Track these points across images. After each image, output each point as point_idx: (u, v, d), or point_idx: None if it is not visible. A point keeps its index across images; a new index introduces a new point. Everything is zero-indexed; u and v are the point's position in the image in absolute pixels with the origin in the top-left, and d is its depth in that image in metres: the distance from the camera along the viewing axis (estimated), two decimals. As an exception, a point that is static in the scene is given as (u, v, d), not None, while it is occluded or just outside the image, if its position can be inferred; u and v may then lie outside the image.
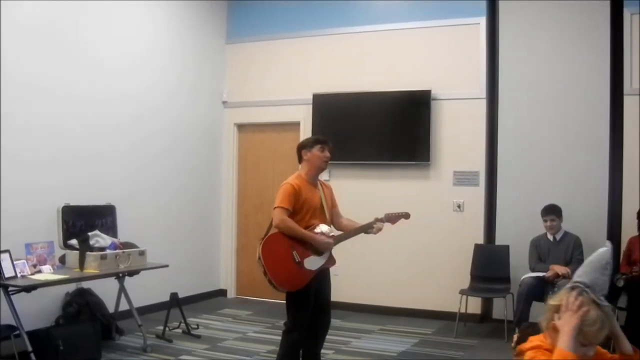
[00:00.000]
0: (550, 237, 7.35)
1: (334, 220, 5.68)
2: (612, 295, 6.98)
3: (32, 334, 5.74)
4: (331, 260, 5.49)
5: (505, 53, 8.22)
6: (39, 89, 6.88)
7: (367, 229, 5.55)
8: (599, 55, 7.70)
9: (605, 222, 7.62)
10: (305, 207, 5.35)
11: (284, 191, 5.31)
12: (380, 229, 5.55)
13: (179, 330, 7.47)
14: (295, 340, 5.40)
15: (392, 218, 5.67)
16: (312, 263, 5.32)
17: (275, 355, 5.68)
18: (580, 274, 2.93)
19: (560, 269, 6.99)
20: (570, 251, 7.21)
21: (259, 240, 5.36)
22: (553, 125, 7.96)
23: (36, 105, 6.86)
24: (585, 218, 7.58)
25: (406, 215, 5.74)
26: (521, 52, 8.15)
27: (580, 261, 7.03)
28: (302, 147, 5.57)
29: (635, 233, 7.09)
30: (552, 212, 7.32)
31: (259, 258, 5.20)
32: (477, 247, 8.08)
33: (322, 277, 5.50)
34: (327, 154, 5.50)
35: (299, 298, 5.33)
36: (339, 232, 5.65)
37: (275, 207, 5.29)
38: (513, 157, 8.15)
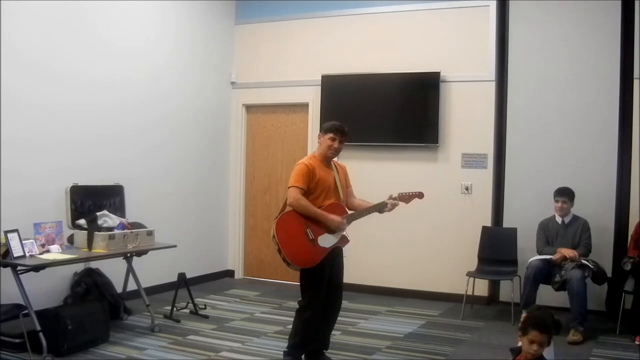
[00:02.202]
0: (559, 220, 7.33)
1: (347, 200, 5.72)
2: (619, 278, 7.00)
3: (40, 314, 5.76)
4: (344, 239, 5.55)
5: (515, 35, 8.17)
6: (47, 70, 6.88)
7: (381, 207, 5.59)
8: (610, 39, 7.65)
9: (613, 206, 7.62)
10: (319, 186, 5.42)
11: (298, 171, 5.39)
12: (391, 209, 5.60)
13: (187, 311, 7.50)
14: (308, 319, 5.45)
15: (406, 198, 5.69)
16: (326, 241, 5.39)
17: (284, 336, 5.71)
18: None
19: (568, 252, 6.97)
20: (579, 235, 7.19)
21: (273, 219, 5.42)
22: (562, 109, 7.93)
23: (45, 86, 6.86)
24: (594, 202, 7.57)
25: (420, 195, 5.76)
26: (531, 35, 8.10)
27: (587, 245, 7.10)
28: (321, 128, 5.71)
29: (644, 217, 7.09)
30: (565, 194, 7.29)
31: (274, 236, 5.27)
32: (485, 230, 8.07)
33: (335, 257, 5.57)
34: (336, 145, 5.52)
35: (313, 276, 5.39)
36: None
37: (289, 187, 5.38)
38: (522, 140, 8.12)
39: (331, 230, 5.42)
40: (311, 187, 5.38)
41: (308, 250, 5.32)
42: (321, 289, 5.43)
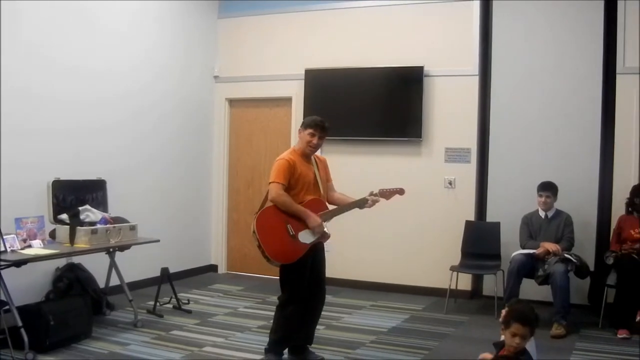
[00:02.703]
0: (542, 214, 7.35)
1: (327, 195, 5.71)
2: (602, 272, 7.04)
3: (22, 309, 5.71)
4: (325, 235, 5.51)
5: (499, 30, 8.18)
6: (29, 62, 6.80)
7: (361, 204, 5.57)
8: (592, 34, 7.67)
9: (596, 201, 7.65)
10: (300, 182, 5.39)
11: (279, 166, 5.35)
12: (372, 205, 5.59)
13: (170, 306, 7.48)
14: (289, 315, 5.44)
15: (386, 194, 5.69)
16: (307, 237, 5.36)
17: (267, 331, 5.70)
18: None
19: (551, 246, 7.00)
20: (562, 229, 7.21)
21: (253, 214, 5.39)
22: (545, 103, 7.95)
23: (27, 78, 6.78)
24: (577, 196, 7.59)
25: (400, 191, 5.76)
26: (514, 30, 8.11)
27: (570, 239, 7.13)
28: (302, 123, 5.64)
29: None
30: (549, 188, 7.31)
31: (254, 231, 5.25)
32: (468, 224, 8.09)
33: (317, 253, 5.55)
34: (315, 141, 5.48)
35: (294, 272, 5.37)
36: (333, 207, 5.68)
37: (270, 182, 5.34)
38: (505, 135, 8.14)
39: None
40: (292, 182, 5.35)
41: (289, 246, 5.30)
42: (301, 284, 5.41)
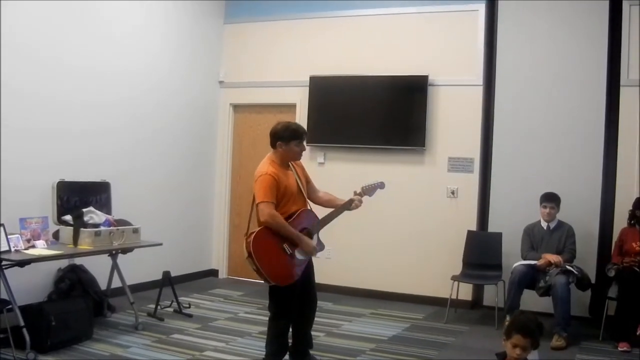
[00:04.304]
0: (544, 225, 7.35)
1: (311, 197, 5.64)
2: (603, 285, 7.04)
3: (24, 309, 5.73)
4: (320, 246, 5.50)
5: (503, 40, 8.21)
6: (34, 65, 6.84)
7: (348, 206, 5.55)
8: (597, 45, 7.69)
9: (598, 212, 7.66)
10: (286, 194, 5.27)
11: (264, 183, 5.16)
12: (359, 205, 5.56)
13: (171, 309, 7.49)
14: (282, 327, 5.42)
15: (369, 190, 5.69)
16: (303, 252, 5.32)
17: (266, 336, 5.70)
18: None
19: (552, 258, 7.00)
20: (564, 240, 7.21)
21: (243, 235, 5.25)
22: (549, 114, 7.96)
23: (32, 81, 6.82)
24: (579, 208, 7.60)
25: (381, 185, 5.76)
26: (519, 40, 8.13)
27: (572, 251, 7.13)
28: (279, 137, 5.36)
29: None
30: (552, 199, 7.32)
31: (249, 256, 5.08)
32: (470, 234, 8.09)
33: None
34: (303, 147, 5.44)
35: (285, 288, 5.28)
36: (320, 210, 5.64)
37: (259, 202, 5.15)
38: (508, 145, 8.15)
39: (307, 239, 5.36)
40: (278, 196, 5.20)
41: (287, 266, 5.21)
42: (292, 297, 5.35)
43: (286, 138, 5.33)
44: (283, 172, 5.33)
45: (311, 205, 5.61)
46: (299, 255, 5.28)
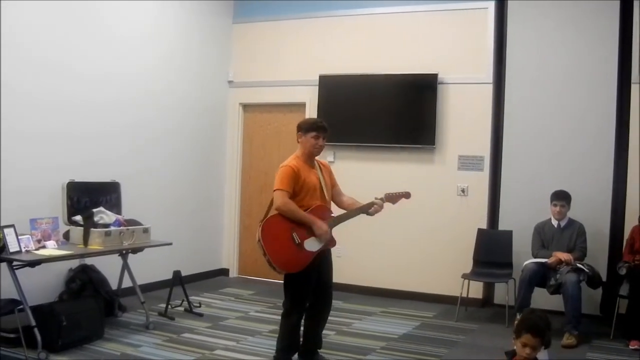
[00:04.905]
0: (554, 223, 7.33)
1: (335, 199, 5.70)
2: (614, 283, 7.01)
3: (35, 309, 5.76)
4: (331, 242, 5.50)
5: (513, 38, 8.18)
6: (45, 66, 6.88)
7: (367, 209, 5.55)
8: (607, 43, 7.65)
9: (609, 210, 7.63)
10: (304, 188, 5.36)
11: (283, 173, 5.32)
12: (379, 210, 5.55)
13: (181, 308, 7.51)
14: (294, 323, 5.44)
15: (393, 198, 5.68)
16: (312, 244, 5.33)
17: (277, 335, 5.71)
18: None
19: (563, 256, 6.98)
20: (574, 238, 7.19)
21: (258, 222, 5.35)
22: (559, 112, 7.93)
23: (42, 82, 6.86)
24: (590, 206, 7.57)
25: (407, 195, 5.74)
26: (529, 38, 8.11)
27: (583, 249, 7.10)
28: (299, 128, 5.55)
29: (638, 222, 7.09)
30: (563, 197, 7.29)
31: (259, 240, 5.19)
32: (480, 232, 8.08)
33: (323, 258, 5.52)
34: (321, 142, 5.48)
35: (299, 280, 5.34)
36: (340, 212, 5.67)
37: (275, 190, 5.30)
38: (518, 143, 8.13)
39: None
40: (297, 189, 5.31)
41: (294, 254, 5.25)
42: (307, 292, 5.40)
43: (304, 129, 5.50)
44: (306, 168, 5.44)
45: (334, 209, 5.67)
46: (307, 247, 5.30)
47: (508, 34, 8.20)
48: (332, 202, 5.67)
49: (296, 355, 5.64)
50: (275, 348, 5.59)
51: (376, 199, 5.58)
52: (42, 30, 6.82)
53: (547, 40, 8.01)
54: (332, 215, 5.55)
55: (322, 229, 5.32)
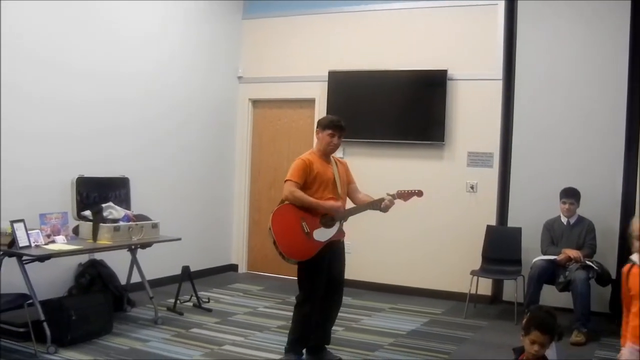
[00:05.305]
0: (564, 220, 7.31)
1: (352, 196, 5.75)
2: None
3: (45, 304, 5.79)
4: (340, 233, 5.55)
5: (523, 34, 8.15)
6: (54, 63, 6.90)
7: (378, 204, 5.58)
8: (618, 39, 7.61)
9: (619, 208, 7.59)
10: (317, 181, 5.43)
11: (295, 166, 5.44)
12: (389, 206, 5.57)
13: (190, 304, 7.53)
14: (307, 314, 5.47)
15: (405, 195, 5.68)
16: (321, 234, 5.40)
17: (287, 331, 5.73)
18: None
19: (572, 253, 6.96)
20: (584, 236, 7.17)
21: (269, 215, 5.42)
22: (569, 109, 7.90)
23: (52, 79, 6.89)
24: (599, 203, 7.54)
25: (419, 193, 5.74)
26: (539, 34, 8.07)
27: (592, 246, 7.07)
28: (318, 124, 5.68)
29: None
30: (572, 195, 7.27)
31: (269, 228, 5.29)
32: (489, 229, 8.06)
33: (336, 253, 5.58)
34: (336, 141, 5.54)
35: (311, 271, 5.41)
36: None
37: (285, 180, 5.41)
38: (528, 140, 8.10)
39: (327, 224, 5.43)
40: (309, 181, 5.40)
41: (303, 243, 5.33)
42: (319, 283, 5.45)
43: (322, 126, 5.60)
44: (320, 162, 5.52)
45: (350, 205, 5.72)
46: (316, 237, 5.36)
47: (518, 30, 8.16)
48: (347, 199, 5.72)
49: (304, 351, 5.66)
50: (286, 340, 5.64)
51: (388, 195, 5.60)
52: (50, 28, 6.84)
53: (557, 36, 7.98)
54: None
55: (334, 206, 5.42)
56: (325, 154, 5.58)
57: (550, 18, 8.01)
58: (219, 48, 9.40)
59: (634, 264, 3.55)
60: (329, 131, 5.52)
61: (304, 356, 5.64)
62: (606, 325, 7.10)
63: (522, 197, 8.13)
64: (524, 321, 4.01)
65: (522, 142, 8.14)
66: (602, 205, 7.55)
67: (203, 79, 9.08)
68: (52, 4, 6.84)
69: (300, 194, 5.33)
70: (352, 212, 5.62)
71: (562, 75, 7.95)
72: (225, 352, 5.90)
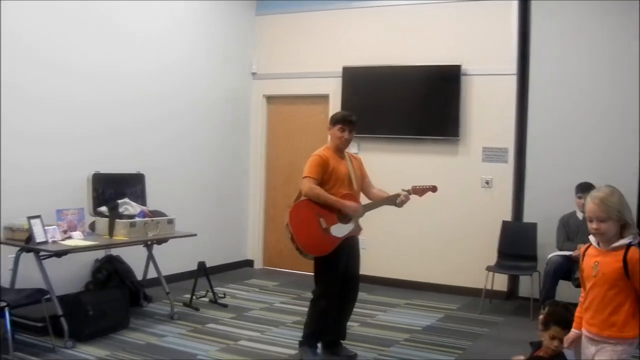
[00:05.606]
0: (579, 215, 7.27)
1: (365, 191, 5.77)
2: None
3: (62, 299, 5.84)
4: (358, 229, 5.57)
5: (537, 29, 8.11)
6: (69, 64, 6.97)
7: (393, 200, 5.59)
8: (631, 34, 7.57)
9: (635, 202, 7.53)
10: (333, 177, 5.44)
11: (312, 161, 5.44)
12: (405, 201, 5.59)
13: (206, 299, 7.56)
14: (323, 308, 5.49)
15: (419, 190, 5.70)
16: (339, 230, 5.41)
17: (301, 326, 5.74)
18: None
19: (588, 248, 6.93)
20: (599, 231, 7.13)
21: (287, 208, 5.46)
22: (583, 103, 7.86)
23: (69, 80, 6.96)
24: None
25: (433, 189, 5.75)
26: (553, 28, 8.03)
27: (608, 241, 6.99)
28: (330, 120, 5.72)
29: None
30: (588, 190, 7.12)
31: (287, 224, 5.32)
32: (505, 224, 8.04)
33: (352, 249, 5.60)
34: (346, 135, 5.55)
35: (327, 266, 5.42)
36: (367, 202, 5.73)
37: (303, 177, 5.41)
38: (543, 135, 8.07)
39: (345, 219, 5.45)
40: (325, 177, 5.41)
41: (320, 238, 5.35)
42: (336, 278, 5.46)
43: (332, 121, 5.65)
44: (335, 158, 5.54)
45: (363, 200, 5.72)
46: (334, 232, 5.38)
47: (532, 24, 8.13)
48: (361, 194, 5.74)
49: (320, 346, 5.67)
50: (302, 333, 5.67)
51: (403, 190, 5.61)
52: (66, 31, 6.92)
53: (571, 30, 7.94)
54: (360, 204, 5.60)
55: (352, 206, 5.43)
56: (338, 150, 5.59)
57: (564, 12, 7.97)
58: (233, 45, 9.42)
59: (589, 245, 3.56)
60: (339, 126, 5.54)
61: (319, 350, 5.66)
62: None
63: (538, 193, 8.10)
64: (541, 317, 4.01)
65: (537, 137, 8.11)
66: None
67: (217, 75, 9.10)
68: (69, 7, 6.90)
69: (320, 190, 5.34)
70: (368, 208, 5.63)
71: (576, 70, 7.91)
72: (241, 348, 5.92)
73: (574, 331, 3.61)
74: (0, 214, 6.08)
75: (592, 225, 3.42)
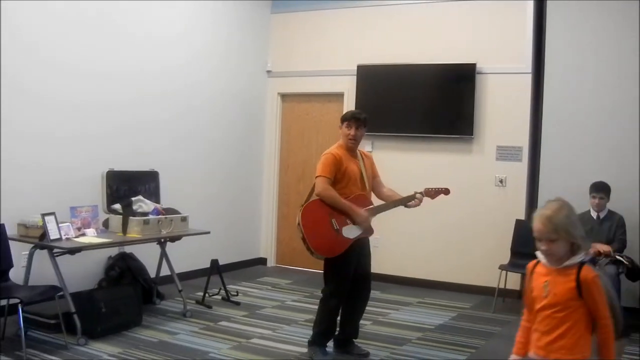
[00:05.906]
0: (594, 214, 7.24)
1: (375, 190, 5.76)
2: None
3: (75, 296, 5.86)
4: (369, 230, 5.56)
5: (552, 27, 8.07)
6: (87, 65, 7.00)
7: (406, 202, 5.59)
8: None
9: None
10: (346, 176, 5.43)
11: (325, 160, 5.41)
12: (418, 204, 5.59)
13: (219, 297, 7.57)
14: (333, 307, 5.49)
15: (432, 193, 5.71)
16: (350, 232, 5.39)
17: (312, 324, 5.75)
18: None
19: (602, 248, 6.89)
20: (614, 230, 7.10)
21: (299, 207, 5.44)
22: (598, 102, 7.82)
23: (84, 80, 6.98)
24: (630, 197, 7.46)
25: (446, 191, 5.76)
26: (568, 27, 7.99)
27: (622, 241, 7.00)
28: (340, 118, 5.70)
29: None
30: (602, 189, 7.20)
31: (299, 224, 5.30)
32: (518, 223, 8.00)
33: (362, 248, 5.58)
34: (353, 132, 5.53)
35: (338, 266, 5.40)
36: (380, 203, 5.71)
37: (317, 176, 5.39)
38: (557, 134, 8.03)
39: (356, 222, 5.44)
40: (338, 176, 5.40)
41: (332, 239, 5.33)
42: (346, 278, 5.46)
43: (341, 119, 5.65)
44: (347, 156, 5.52)
45: (373, 199, 5.71)
46: (345, 234, 5.37)
47: (547, 22, 8.09)
48: (372, 193, 5.72)
49: (331, 344, 5.67)
50: (311, 332, 5.67)
51: (416, 192, 5.60)
52: (82, 31, 6.93)
53: (586, 29, 7.89)
54: (372, 205, 5.59)
55: (363, 216, 5.39)
56: (348, 148, 5.57)
57: (580, 11, 7.92)
58: (248, 43, 9.43)
59: (538, 261, 3.43)
60: (346, 123, 5.54)
61: (329, 349, 5.66)
62: (636, 320, 7.01)
63: (552, 192, 7.98)
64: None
65: (551, 136, 8.07)
66: (632, 200, 7.46)
67: (232, 73, 9.12)
68: (82, 7, 6.92)
69: (334, 193, 5.32)
70: (381, 209, 5.62)
71: (591, 69, 7.86)
72: (254, 345, 5.93)
73: (514, 356, 3.52)
74: (15, 211, 6.11)
75: (542, 247, 3.28)
